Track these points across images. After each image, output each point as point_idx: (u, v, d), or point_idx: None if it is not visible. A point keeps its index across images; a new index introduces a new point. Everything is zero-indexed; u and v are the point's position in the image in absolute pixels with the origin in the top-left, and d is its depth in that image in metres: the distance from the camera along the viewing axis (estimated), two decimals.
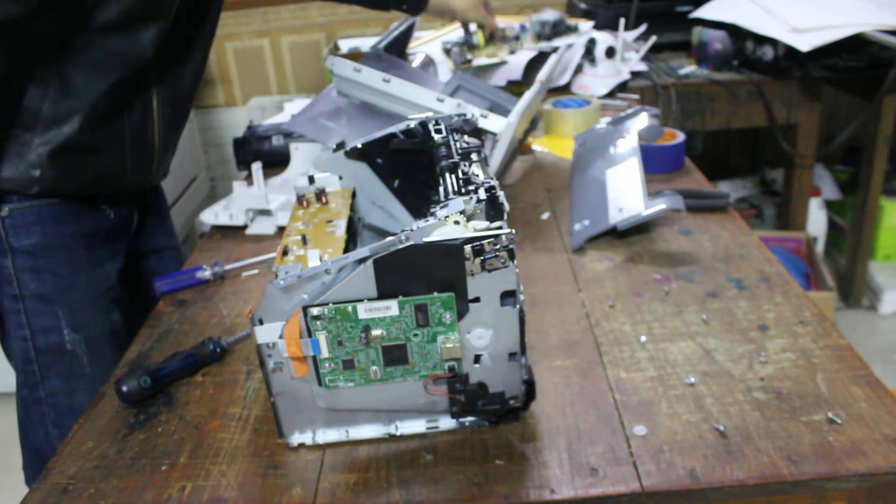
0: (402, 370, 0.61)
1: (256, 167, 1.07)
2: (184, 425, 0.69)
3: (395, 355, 0.60)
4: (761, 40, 1.80)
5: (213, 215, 1.11)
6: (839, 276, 2.33)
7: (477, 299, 0.58)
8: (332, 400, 0.63)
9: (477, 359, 0.61)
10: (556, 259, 0.94)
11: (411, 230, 0.55)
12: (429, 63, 1.49)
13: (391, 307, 0.58)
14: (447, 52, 1.59)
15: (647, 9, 2.00)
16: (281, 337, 0.59)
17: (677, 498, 0.57)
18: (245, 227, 1.09)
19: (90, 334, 0.97)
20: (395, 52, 1.33)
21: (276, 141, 1.31)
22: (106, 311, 1.00)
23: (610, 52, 1.71)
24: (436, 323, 0.59)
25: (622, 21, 1.72)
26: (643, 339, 0.75)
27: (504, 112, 1.05)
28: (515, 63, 1.57)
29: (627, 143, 1.07)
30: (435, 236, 0.55)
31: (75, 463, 0.65)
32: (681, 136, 1.20)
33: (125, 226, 1.06)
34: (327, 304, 0.58)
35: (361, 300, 0.58)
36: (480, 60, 1.58)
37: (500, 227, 0.56)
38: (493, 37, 1.56)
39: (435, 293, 0.57)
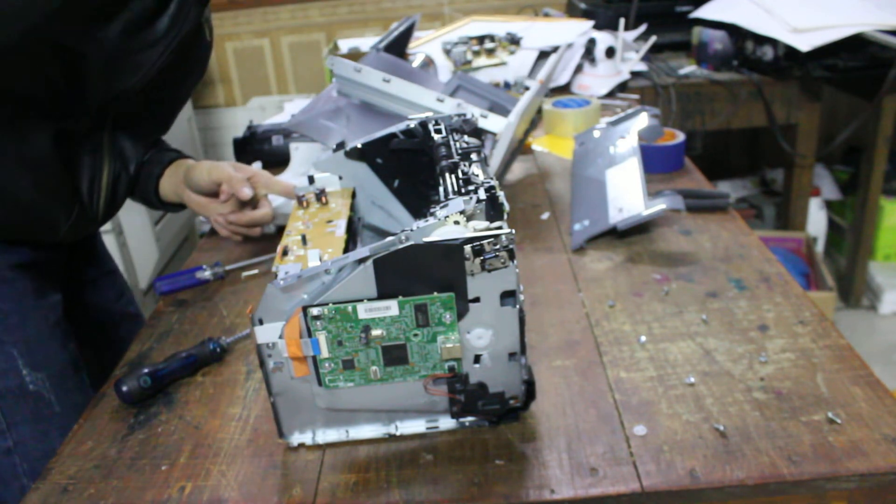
0: (402, 370, 0.61)
1: (256, 167, 1.07)
2: (184, 425, 0.69)
3: (395, 355, 0.60)
4: (761, 40, 1.80)
5: None
6: (839, 276, 2.33)
7: (477, 299, 0.58)
8: (332, 400, 0.63)
9: (477, 359, 0.61)
10: (556, 259, 0.94)
11: (411, 230, 0.55)
12: (429, 63, 1.49)
13: (391, 307, 0.58)
14: (447, 52, 1.59)
15: (647, 9, 2.00)
16: (281, 337, 0.59)
17: (677, 498, 0.57)
18: None
19: (53, 370, 0.88)
20: (395, 52, 1.33)
21: (276, 141, 1.31)
22: (63, 344, 0.91)
23: (610, 52, 1.71)
24: (436, 323, 0.59)
25: (622, 21, 1.72)
26: (643, 339, 0.75)
27: (504, 112, 1.05)
28: (515, 64, 1.57)
29: (627, 143, 1.07)
30: (435, 236, 0.55)
31: (75, 463, 0.65)
32: (681, 136, 1.20)
33: (60, 255, 0.97)
34: (327, 304, 0.58)
35: (361, 300, 0.58)
36: (481, 62, 1.58)
37: (500, 227, 0.56)
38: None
39: (435, 293, 0.57)
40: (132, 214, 2.03)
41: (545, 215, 1.07)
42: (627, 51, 1.80)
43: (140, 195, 1.01)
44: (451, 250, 0.56)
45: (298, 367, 0.61)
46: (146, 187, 0.99)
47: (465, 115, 0.75)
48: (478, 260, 0.56)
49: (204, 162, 0.98)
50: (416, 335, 0.59)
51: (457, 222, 0.56)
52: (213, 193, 0.98)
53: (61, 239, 0.91)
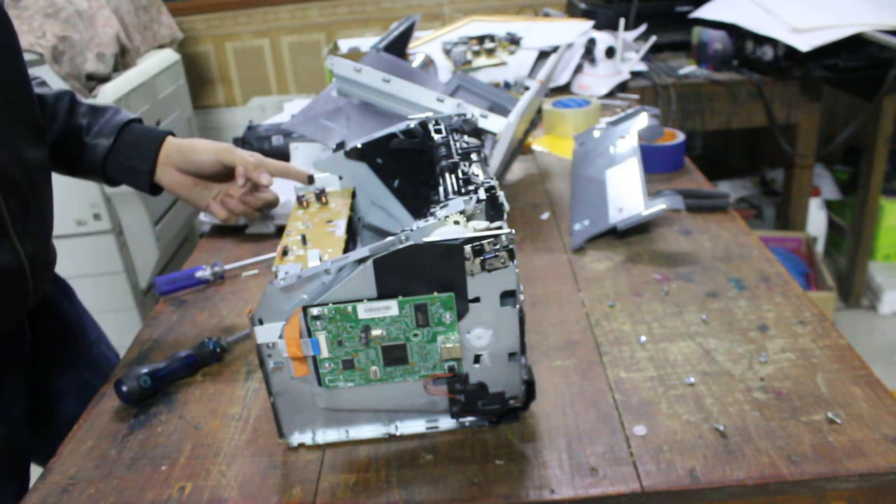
0: (402, 370, 0.61)
1: None
2: (184, 425, 0.69)
3: (395, 355, 0.60)
4: (761, 40, 1.80)
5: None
6: (839, 276, 2.33)
7: (477, 299, 0.58)
8: (332, 400, 0.63)
9: (477, 359, 0.61)
10: (556, 259, 0.94)
11: (411, 230, 0.55)
12: (429, 63, 1.49)
13: (391, 307, 0.58)
14: (447, 52, 1.59)
15: (647, 9, 2.00)
16: (281, 337, 0.59)
17: (677, 498, 0.57)
18: (245, 227, 1.09)
19: None
20: (395, 52, 1.33)
21: (276, 141, 1.31)
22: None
23: (610, 52, 1.71)
24: (436, 323, 0.59)
25: (622, 21, 1.72)
26: (643, 339, 0.75)
27: (504, 112, 1.05)
28: (515, 64, 1.57)
29: (627, 143, 1.07)
30: (435, 236, 0.55)
31: (75, 463, 0.65)
32: (681, 136, 1.20)
33: (16, 354, 0.83)
34: (327, 304, 0.58)
35: (361, 300, 0.58)
36: (481, 62, 1.58)
37: (500, 227, 0.56)
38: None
39: (435, 293, 0.57)
40: (132, 214, 2.02)
41: (545, 215, 1.07)
42: (627, 51, 1.80)
43: (115, 182, 0.91)
44: (451, 250, 0.56)
45: (298, 367, 0.61)
46: (136, 181, 0.89)
47: (465, 115, 0.75)
48: (478, 260, 0.56)
49: (198, 141, 0.89)
50: (416, 335, 0.59)
51: (457, 222, 0.56)
52: (213, 176, 0.90)
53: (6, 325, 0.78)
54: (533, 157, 1.30)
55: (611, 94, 1.64)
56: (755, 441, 0.61)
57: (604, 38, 1.72)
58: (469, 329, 0.59)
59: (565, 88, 1.67)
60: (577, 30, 1.75)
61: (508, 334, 0.60)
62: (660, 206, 0.91)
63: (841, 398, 0.65)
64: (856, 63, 1.76)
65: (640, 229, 0.98)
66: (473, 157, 0.68)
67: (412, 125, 0.75)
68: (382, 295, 0.57)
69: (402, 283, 0.57)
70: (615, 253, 0.94)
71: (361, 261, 0.56)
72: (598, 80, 1.67)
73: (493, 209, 0.58)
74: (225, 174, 0.90)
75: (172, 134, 0.91)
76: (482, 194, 0.58)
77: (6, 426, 0.82)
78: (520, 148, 1.24)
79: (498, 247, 0.56)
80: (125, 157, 0.88)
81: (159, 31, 2.38)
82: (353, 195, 0.77)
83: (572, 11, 2.26)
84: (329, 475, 0.62)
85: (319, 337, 0.59)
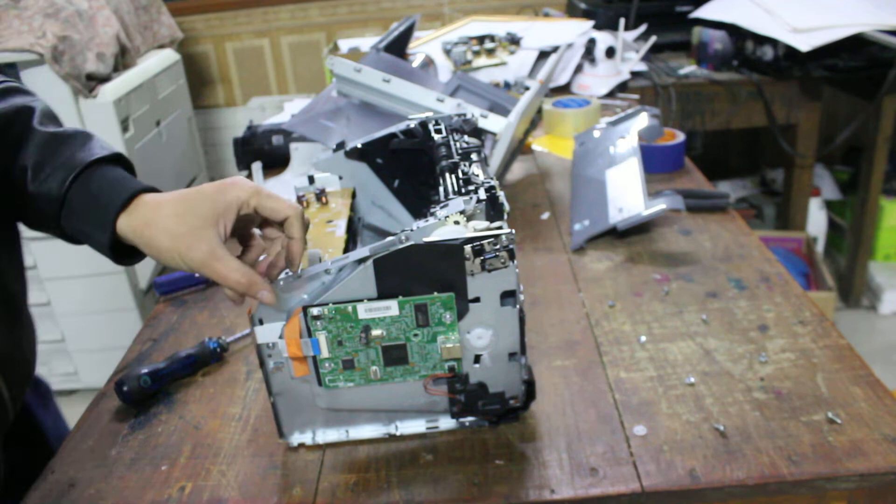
0: (402, 370, 0.61)
1: (256, 167, 1.07)
2: (184, 425, 0.69)
3: (395, 355, 0.60)
4: (761, 40, 1.80)
5: None
6: (839, 276, 2.33)
7: (477, 299, 0.58)
8: (332, 400, 0.63)
9: (477, 359, 0.61)
10: (556, 259, 0.94)
11: (411, 230, 0.55)
12: (429, 63, 1.49)
13: (391, 307, 0.58)
14: (447, 52, 1.59)
15: (647, 9, 2.00)
16: (281, 337, 0.59)
17: (677, 498, 0.57)
18: None
19: None
20: (395, 52, 1.33)
21: (276, 141, 1.31)
22: None
23: (610, 52, 1.71)
24: (436, 323, 0.59)
25: (622, 21, 1.72)
26: (643, 339, 0.75)
27: (504, 112, 1.05)
28: (515, 64, 1.57)
29: (627, 143, 1.07)
30: (435, 236, 0.55)
31: (75, 463, 0.65)
32: (681, 136, 1.20)
33: None
34: (327, 304, 0.58)
35: (361, 300, 0.58)
36: (481, 62, 1.58)
37: (500, 227, 0.56)
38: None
39: (435, 293, 0.57)
40: None
41: (545, 215, 1.07)
42: (627, 51, 1.80)
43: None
44: (451, 250, 0.56)
45: (298, 367, 0.61)
46: (103, 252, 0.61)
47: (465, 115, 0.75)
48: (478, 260, 0.56)
49: (159, 239, 0.57)
50: (416, 335, 0.59)
51: (457, 222, 0.56)
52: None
53: None
54: (533, 157, 1.30)
55: (611, 94, 1.64)
56: (755, 441, 0.61)
57: (604, 38, 1.72)
58: (469, 329, 0.59)
59: (565, 88, 1.67)
60: (577, 30, 1.75)
61: (508, 334, 0.60)
62: (660, 206, 0.91)
63: (841, 398, 0.65)
64: (856, 63, 1.76)
65: (640, 229, 0.98)
66: (473, 157, 0.68)
67: (412, 125, 0.75)
68: (382, 295, 0.57)
69: (402, 283, 0.57)
70: (615, 253, 0.94)
71: (361, 261, 0.56)
72: (598, 80, 1.67)
73: (493, 209, 0.58)
74: None
75: (138, 192, 0.59)
76: (482, 194, 0.58)
77: None
78: (520, 148, 1.24)
79: (498, 247, 0.56)
80: (77, 220, 0.60)
81: (159, 31, 2.38)
82: (353, 195, 0.77)
83: (572, 11, 2.26)
84: (329, 475, 0.62)
85: (319, 337, 0.59)
